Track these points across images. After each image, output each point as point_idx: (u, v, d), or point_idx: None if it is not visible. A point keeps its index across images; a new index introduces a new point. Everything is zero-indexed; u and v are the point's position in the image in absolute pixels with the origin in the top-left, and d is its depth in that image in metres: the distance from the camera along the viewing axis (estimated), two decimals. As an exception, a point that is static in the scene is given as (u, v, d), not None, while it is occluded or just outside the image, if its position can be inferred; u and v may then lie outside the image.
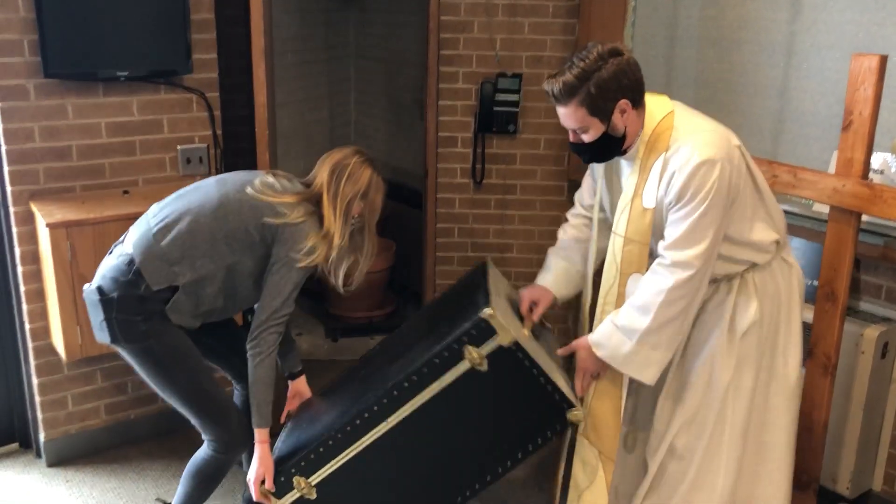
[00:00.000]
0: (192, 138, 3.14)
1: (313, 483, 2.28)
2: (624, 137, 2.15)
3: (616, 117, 2.10)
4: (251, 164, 3.34)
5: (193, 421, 2.41)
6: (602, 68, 2.04)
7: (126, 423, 3.25)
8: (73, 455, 3.15)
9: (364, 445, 2.22)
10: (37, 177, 2.88)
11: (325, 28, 4.96)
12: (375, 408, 2.19)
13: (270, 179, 2.35)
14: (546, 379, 2.16)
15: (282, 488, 2.29)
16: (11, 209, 2.86)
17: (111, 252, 2.38)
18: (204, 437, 2.44)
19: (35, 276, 2.93)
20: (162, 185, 3.09)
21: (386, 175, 2.44)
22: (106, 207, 2.83)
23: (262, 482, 2.30)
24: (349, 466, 2.24)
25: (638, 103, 2.13)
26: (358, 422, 2.20)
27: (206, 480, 2.49)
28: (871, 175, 2.52)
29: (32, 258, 2.91)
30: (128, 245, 2.31)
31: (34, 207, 2.83)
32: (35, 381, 3.02)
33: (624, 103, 2.09)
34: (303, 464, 2.26)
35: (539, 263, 3.78)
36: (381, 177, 2.39)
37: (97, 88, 2.93)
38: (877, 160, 2.66)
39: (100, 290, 2.27)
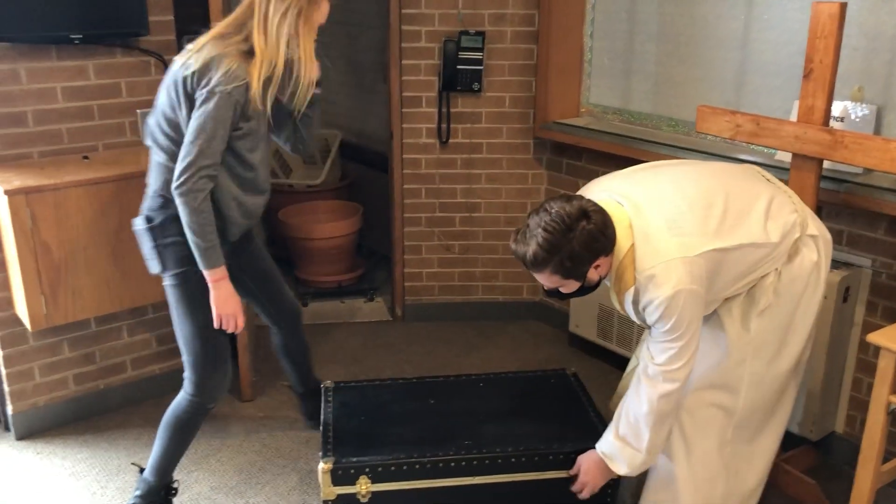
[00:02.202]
0: (151, 102, 3.06)
1: (372, 490, 2.30)
2: (599, 281, 2.20)
3: (591, 273, 2.12)
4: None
5: (185, 357, 2.47)
6: (573, 240, 2.02)
7: (95, 392, 3.22)
8: (42, 427, 3.11)
9: (438, 485, 2.32)
10: (-9, 144, 2.80)
11: (283, -10, 4.85)
12: (469, 461, 2.32)
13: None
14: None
15: (343, 478, 2.29)
16: (-33, 178, 2.79)
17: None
18: (186, 375, 2.49)
19: (-5, 245, 2.87)
20: (122, 150, 3.03)
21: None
22: (66, 173, 2.77)
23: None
24: (412, 495, 2.32)
25: (609, 252, 2.11)
26: (447, 464, 2.32)
27: (182, 428, 2.53)
28: (831, 123, 2.56)
29: (-9, 227, 2.85)
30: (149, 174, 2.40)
31: (-10, 175, 2.76)
32: (0, 353, 2.97)
33: (598, 261, 2.10)
34: (379, 469, 2.29)
35: (506, 222, 3.84)
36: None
37: (50, 52, 2.85)
38: (837, 108, 2.70)
39: (146, 219, 2.37)
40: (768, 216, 2.22)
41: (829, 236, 2.33)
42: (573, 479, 2.35)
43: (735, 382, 2.29)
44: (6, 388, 3.01)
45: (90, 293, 2.85)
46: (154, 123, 2.37)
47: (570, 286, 2.15)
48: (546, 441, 2.39)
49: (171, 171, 2.27)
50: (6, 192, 2.61)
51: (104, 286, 2.87)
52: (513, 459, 2.33)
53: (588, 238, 2.03)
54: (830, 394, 2.83)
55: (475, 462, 2.32)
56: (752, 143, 2.76)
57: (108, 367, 3.22)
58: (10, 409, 3.05)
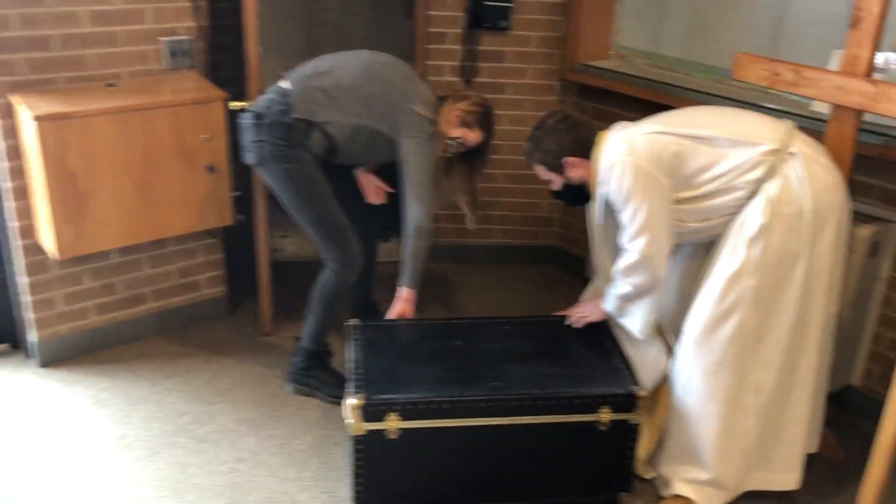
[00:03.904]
0: (176, 30, 3.01)
1: (401, 427, 2.31)
2: (582, 185, 2.52)
3: (569, 171, 2.51)
4: (236, 61, 3.23)
5: (318, 242, 2.81)
6: (544, 132, 2.51)
7: (117, 323, 3.22)
8: (65, 355, 3.13)
9: (465, 424, 2.34)
10: (15, 67, 2.74)
11: (302, -82, 4.72)
12: (497, 402, 2.34)
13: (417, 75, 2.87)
14: (633, 459, 2.49)
15: (373, 413, 2.30)
16: (-10, 102, 2.74)
17: (265, 91, 2.77)
18: (325, 256, 2.83)
19: (18, 172, 2.83)
20: (146, 79, 2.98)
21: None
22: (92, 100, 2.73)
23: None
24: (438, 433, 2.34)
25: (585, 155, 2.47)
26: (475, 403, 2.34)
27: (331, 298, 2.86)
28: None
29: (15, 153, 2.81)
30: (284, 82, 2.70)
31: (15, 99, 2.71)
32: (24, 280, 2.96)
33: (569, 160, 2.48)
34: (409, 407, 2.31)
35: (527, 165, 3.81)
36: (488, 135, 2.82)
37: (75, -27, 2.77)
38: (878, 58, 2.65)
39: (255, 114, 2.66)
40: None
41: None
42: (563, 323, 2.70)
43: (732, 303, 2.33)
44: (31, 315, 3.02)
45: (116, 223, 2.83)
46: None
47: (556, 181, 2.56)
48: (574, 384, 2.41)
49: (324, 105, 2.66)
50: (35, 119, 2.57)
51: (129, 216, 2.85)
52: (540, 401, 2.35)
53: (553, 130, 2.49)
54: (849, 347, 2.85)
55: (503, 403, 2.34)
56: (790, 93, 2.72)
57: (129, 297, 3.23)
58: (33, 337, 3.06)
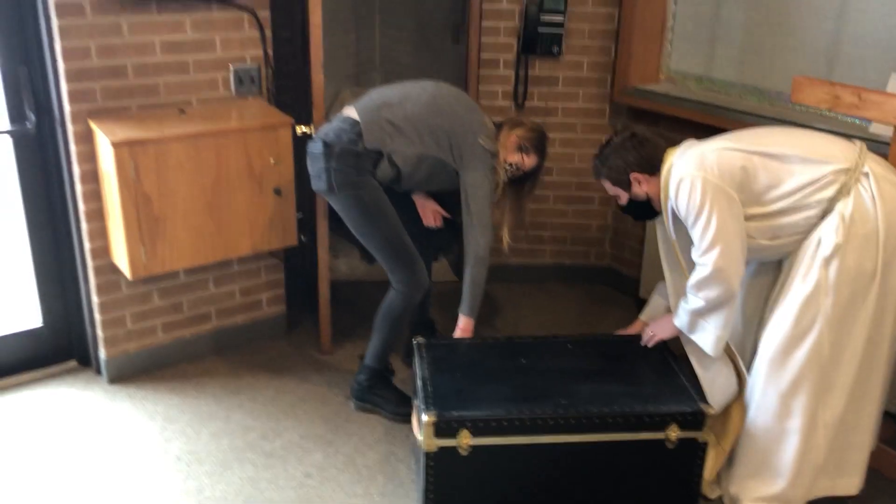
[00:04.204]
0: (243, 58, 3.11)
1: (472, 444, 2.36)
2: (649, 200, 2.58)
3: (635, 186, 2.57)
4: (301, 87, 3.33)
5: (386, 264, 2.89)
6: (611, 149, 2.58)
7: (182, 341, 3.31)
8: (133, 372, 3.22)
9: (534, 442, 2.39)
10: (94, 95, 2.85)
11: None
12: (567, 420, 2.38)
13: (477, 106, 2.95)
14: (700, 478, 2.53)
15: (445, 430, 2.35)
16: (70, 127, 2.85)
17: (330, 120, 2.87)
18: (392, 279, 2.92)
19: (94, 195, 2.94)
20: (216, 105, 3.08)
21: None
22: (165, 127, 2.83)
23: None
24: (508, 450, 2.38)
25: (652, 172, 2.53)
26: (545, 421, 2.38)
27: (397, 319, 2.95)
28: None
29: (92, 177, 2.92)
30: (351, 112, 2.79)
31: (93, 126, 2.82)
32: (95, 299, 3.06)
33: (635, 176, 2.54)
34: (480, 424, 2.35)
35: (577, 187, 3.94)
36: (542, 159, 2.92)
37: (151, 6, 2.88)
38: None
39: (325, 143, 2.74)
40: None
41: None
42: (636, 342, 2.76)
43: (809, 324, 2.35)
44: (100, 333, 3.11)
45: (186, 244, 2.92)
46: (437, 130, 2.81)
47: (622, 196, 2.62)
48: (642, 402, 2.44)
49: (392, 136, 2.74)
50: (113, 144, 2.67)
51: (199, 238, 2.94)
52: (609, 419, 2.38)
53: (620, 147, 2.55)
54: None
55: (573, 420, 2.38)
56: (849, 116, 2.75)
57: (194, 317, 3.32)
58: (103, 354, 3.15)
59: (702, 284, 2.41)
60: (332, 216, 3.06)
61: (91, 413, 3.01)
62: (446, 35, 4.63)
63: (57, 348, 3.25)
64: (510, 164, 2.84)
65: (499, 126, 2.88)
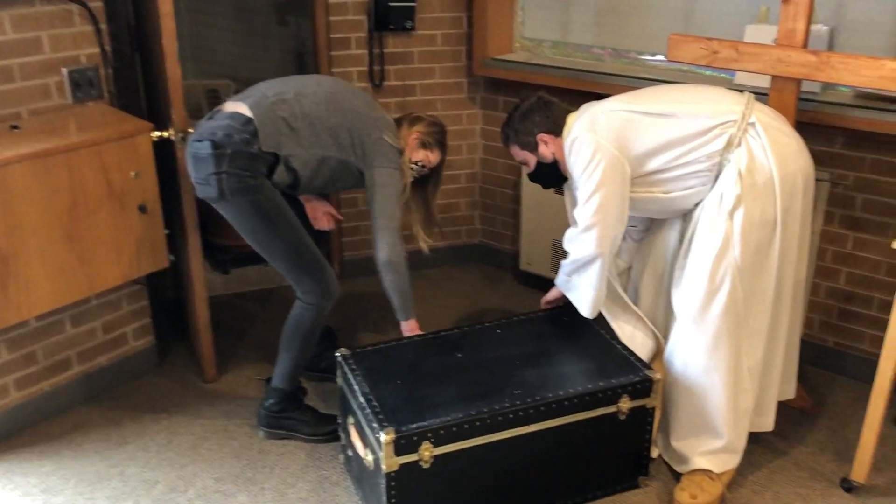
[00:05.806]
0: (77, 58, 2.66)
1: (434, 454, 2.19)
2: (556, 162, 2.56)
3: (542, 147, 2.56)
4: (150, 85, 2.92)
5: (289, 276, 2.61)
6: (518, 112, 2.58)
7: (40, 396, 2.82)
8: (-12, 443, 2.70)
9: (495, 439, 2.26)
10: None
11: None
12: (525, 410, 2.29)
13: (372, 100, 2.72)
14: (650, 443, 2.54)
15: (406, 446, 2.16)
16: None
17: (212, 117, 2.51)
18: (298, 291, 2.64)
19: (-88, 241, 2.39)
20: (52, 116, 2.61)
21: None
22: (1, 147, 2.35)
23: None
24: (469, 453, 2.25)
25: (557, 133, 2.53)
26: (505, 416, 2.26)
27: (307, 333, 2.68)
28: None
29: None
30: (240, 108, 2.47)
31: None
32: (-71, 366, 2.52)
33: (542, 137, 2.54)
34: (441, 433, 2.18)
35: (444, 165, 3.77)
36: (444, 153, 2.78)
37: (-46, 2, 2.37)
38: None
39: (213, 144, 2.38)
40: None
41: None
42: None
43: (722, 277, 2.40)
44: (-59, 405, 2.57)
45: (45, 284, 2.47)
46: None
47: (530, 160, 2.60)
48: (592, 379, 2.40)
49: (289, 137, 2.48)
50: (-59, 175, 2.18)
51: (60, 274, 2.50)
52: (566, 402, 2.32)
53: (527, 109, 2.56)
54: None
55: (532, 410, 2.28)
56: (725, 69, 2.85)
57: (52, 365, 2.83)
58: (-54, 430, 2.61)
59: (570, 241, 2.49)
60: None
61: (-55, 502, 2.49)
62: (270, 18, 4.31)
63: None
64: (416, 163, 2.68)
65: (397, 122, 2.69)
